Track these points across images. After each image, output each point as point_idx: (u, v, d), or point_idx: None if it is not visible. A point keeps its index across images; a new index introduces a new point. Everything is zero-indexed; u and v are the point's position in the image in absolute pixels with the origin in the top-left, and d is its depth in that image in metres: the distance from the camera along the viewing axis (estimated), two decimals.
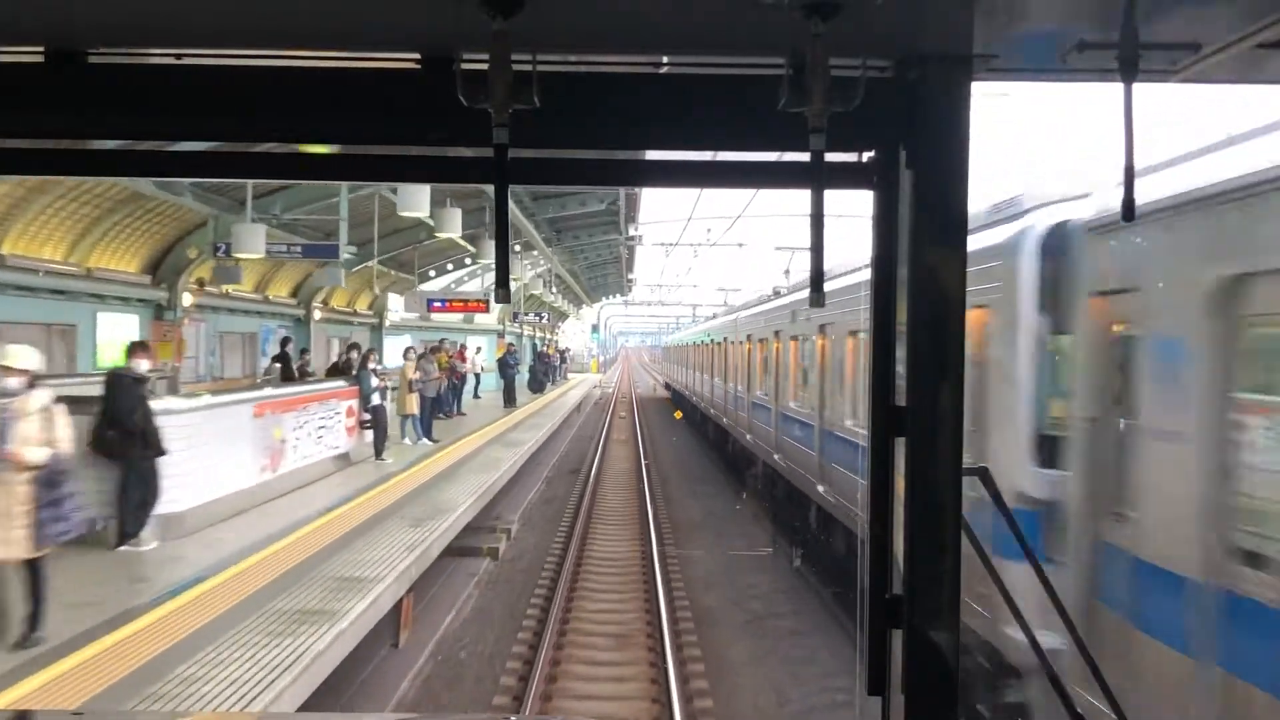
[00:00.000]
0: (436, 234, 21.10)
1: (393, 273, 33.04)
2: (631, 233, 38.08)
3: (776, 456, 17.90)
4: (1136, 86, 1.70)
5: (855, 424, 11.72)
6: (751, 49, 1.85)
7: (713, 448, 31.08)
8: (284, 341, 23.37)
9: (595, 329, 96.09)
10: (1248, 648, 4.40)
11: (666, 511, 20.63)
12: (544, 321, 48.33)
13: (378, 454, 17.45)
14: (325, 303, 30.57)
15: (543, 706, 9.44)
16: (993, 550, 2.19)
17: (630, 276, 56.09)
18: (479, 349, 39.15)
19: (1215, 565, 4.59)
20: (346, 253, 19.89)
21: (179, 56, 1.87)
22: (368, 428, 17.38)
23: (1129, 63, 1.66)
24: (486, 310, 30.06)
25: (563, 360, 61.42)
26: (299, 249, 20.36)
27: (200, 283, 22.24)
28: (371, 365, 17.48)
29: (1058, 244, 6.46)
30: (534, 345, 52.25)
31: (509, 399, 32.91)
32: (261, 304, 26.95)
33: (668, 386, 61.90)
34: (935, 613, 1.83)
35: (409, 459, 17.99)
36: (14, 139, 1.94)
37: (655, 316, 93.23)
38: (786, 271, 37.08)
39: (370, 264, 24.19)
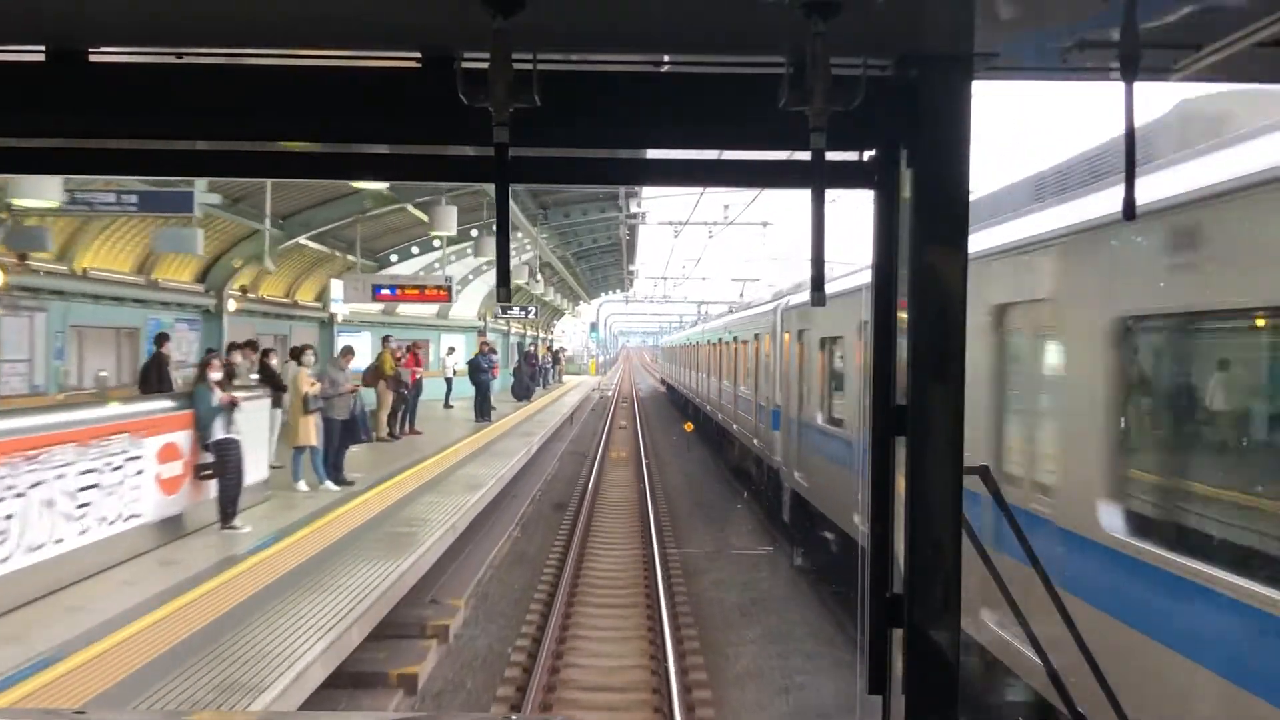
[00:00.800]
0: (353, 185, 14.49)
1: (340, 255, 26.65)
2: (633, 209, 31.98)
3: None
4: (1136, 85, 1.70)
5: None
6: (752, 48, 1.86)
7: (736, 472, 24.58)
8: (159, 339, 16.83)
9: (594, 328, 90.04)
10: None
11: (685, 583, 14.16)
12: (531, 318, 41.64)
13: (225, 519, 10.82)
14: (245, 290, 23.92)
15: (544, 699, 8.96)
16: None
17: (632, 268, 50.22)
18: (451, 349, 32.94)
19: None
20: (205, 204, 13.10)
21: (180, 56, 1.87)
22: (208, 476, 10.74)
23: (1129, 62, 1.65)
24: (448, 299, 23.47)
25: (556, 362, 54.83)
26: (133, 200, 13.49)
27: (22, 256, 15.67)
28: (213, 375, 10.75)
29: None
30: (520, 345, 45.80)
31: (481, 411, 26.45)
32: (146, 289, 20.25)
33: (663, 382, 63.84)
34: (935, 611, 1.85)
35: (285, 523, 11.41)
36: (14, 138, 1.92)
37: (659, 315, 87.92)
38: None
39: (256, 226, 17.40)
